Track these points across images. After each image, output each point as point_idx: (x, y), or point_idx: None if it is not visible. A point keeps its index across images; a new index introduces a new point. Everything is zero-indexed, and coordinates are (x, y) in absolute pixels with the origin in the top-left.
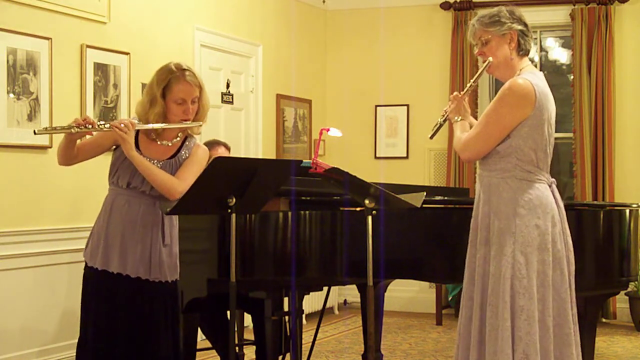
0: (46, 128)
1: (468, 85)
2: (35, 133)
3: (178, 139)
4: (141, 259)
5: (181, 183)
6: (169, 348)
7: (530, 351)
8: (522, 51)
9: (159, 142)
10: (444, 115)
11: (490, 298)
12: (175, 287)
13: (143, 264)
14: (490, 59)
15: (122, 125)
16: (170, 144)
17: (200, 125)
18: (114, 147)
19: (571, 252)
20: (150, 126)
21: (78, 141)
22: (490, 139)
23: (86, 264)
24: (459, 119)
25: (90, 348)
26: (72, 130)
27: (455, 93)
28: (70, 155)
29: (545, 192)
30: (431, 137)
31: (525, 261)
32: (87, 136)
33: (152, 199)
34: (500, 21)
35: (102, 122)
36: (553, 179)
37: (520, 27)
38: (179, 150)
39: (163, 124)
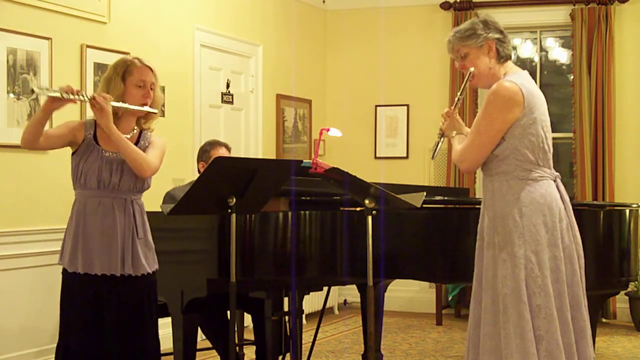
0: (41, 88)
1: (456, 99)
2: (32, 91)
3: (135, 131)
4: (122, 256)
5: (153, 161)
6: (152, 340)
7: (553, 348)
8: (502, 58)
9: None
10: (440, 133)
11: (506, 300)
12: (155, 279)
13: (125, 260)
14: (472, 69)
15: (101, 97)
16: (128, 137)
17: (156, 114)
18: (72, 152)
19: (580, 245)
20: (124, 105)
21: (46, 128)
22: (485, 146)
23: (65, 270)
24: (454, 134)
25: (78, 353)
26: (63, 95)
27: (446, 110)
28: (38, 134)
29: (549, 189)
30: (432, 158)
31: (537, 260)
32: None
33: (122, 196)
34: (475, 34)
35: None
36: (557, 173)
37: (496, 36)
38: (137, 142)
39: (131, 106)
